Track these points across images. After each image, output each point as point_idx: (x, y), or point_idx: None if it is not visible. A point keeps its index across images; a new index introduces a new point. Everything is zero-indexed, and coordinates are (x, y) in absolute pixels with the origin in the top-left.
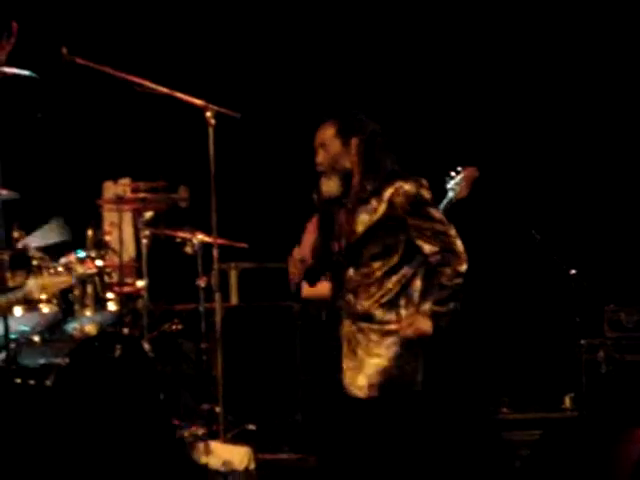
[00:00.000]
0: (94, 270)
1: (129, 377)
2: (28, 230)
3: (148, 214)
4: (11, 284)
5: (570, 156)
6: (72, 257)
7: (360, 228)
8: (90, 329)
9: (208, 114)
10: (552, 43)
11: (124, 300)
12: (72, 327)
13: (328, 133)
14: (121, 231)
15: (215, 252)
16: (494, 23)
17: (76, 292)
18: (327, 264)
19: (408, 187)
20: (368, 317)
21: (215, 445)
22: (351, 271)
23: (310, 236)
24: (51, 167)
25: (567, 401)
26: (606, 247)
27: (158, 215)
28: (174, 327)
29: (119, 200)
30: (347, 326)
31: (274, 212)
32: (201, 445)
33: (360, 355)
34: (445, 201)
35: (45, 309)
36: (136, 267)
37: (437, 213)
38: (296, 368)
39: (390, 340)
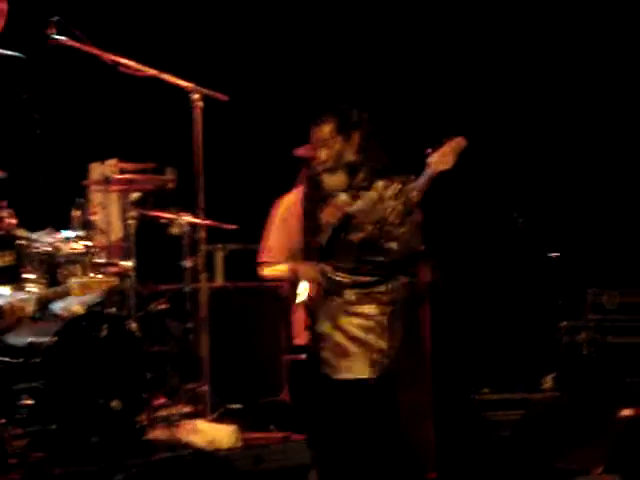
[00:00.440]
0: (81, 250)
1: (116, 357)
2: (16, 210)
3: (135, 195)
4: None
5: (552, 140)
6: (58, 237)
7: (339, 216)
8: (77, 309)
9: (195, 96)
10: (541, 35)
11: None
12: (59, 307)
13: (327, 131)
14: (108, 212)
15: (201, 233)
16: (484, 16)
17: (63, 271)
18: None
19: (398, 184)
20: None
21: (201, 424)
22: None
23: (283, 230)
24: (37, 148)
25: (548, 382)
26: (588, 230)
27: (145, 196)
28: (160, 307)
29: (106, 181)
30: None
31: (261, 194)
32: (187, 424)
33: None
34: (423, 177)
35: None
36: (123, 248)
37: (414, 216)
38: (281, 348)
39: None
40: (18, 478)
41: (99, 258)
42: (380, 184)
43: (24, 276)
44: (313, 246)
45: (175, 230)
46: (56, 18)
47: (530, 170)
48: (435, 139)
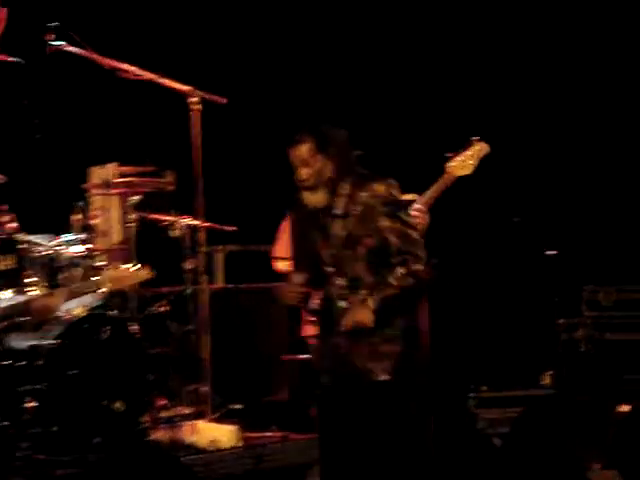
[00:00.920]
0: (82, 253)
1: (117, 359)
2: (17, 214)
3: (135, 198)
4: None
5: (548, 139)
6: (59, 241)
7: (342, 233)
8: (79, 311)
9: (194, 99)
10: (533, 39)
11: None
12: (61, 309)
13: (307, 150)
14: (108, 215)
15: (201, 235)
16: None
17: (64, 275)
18: (318, 274)
19: (381, 189)
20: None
21: (202, 424)
22: (338, 279)
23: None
24: (38, 152)
25: (546, 379)
26: (584, 228)
27: (145, 199)
28: (161, 309)
29: (106, 185)
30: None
31: (260, 196)
32: (188, 424)
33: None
34: (437, 184)
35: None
36: (123, 250)
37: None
38: (281, 348)
39: None
40: None
41: (100, 261)
42: (364, 195)
43: (25, 280)
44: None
45: (175, 232)
46: (55, 24)
47: (526, 168)
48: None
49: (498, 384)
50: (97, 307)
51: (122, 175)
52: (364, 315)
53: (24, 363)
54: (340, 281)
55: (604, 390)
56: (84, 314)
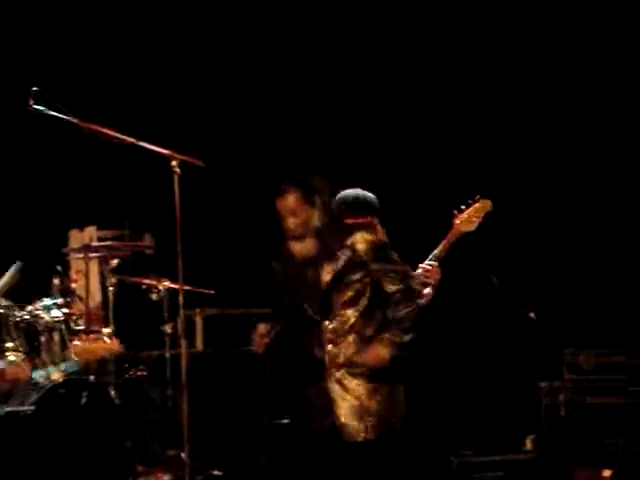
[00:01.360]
0: (61, 318)
1: (95, 424)
2: None
3: (114, 262)
4: None
5: (527, 202)
6: (38, 305)
7: (328, 277)
8: (56, 376)
9: (173, 163)
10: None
11: None
12: (39, 375)
13: (293, 201)
14: (87, 279)
15: (181, 299)
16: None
17: (42, 339)
18: (301, 323)
19: (367, 235)
20: (351, 364)
21: None
22: (327, 323)
23: None
24: (18, 215)
25: (528, 443)
26: (565, 291)
27: (124, 262)
28: (140, 373)
29: (85, 249)
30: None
31: (238, 259)
32: None
33: (350, 399)
34: (446, 239)
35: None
36: (102, 314)
37: (394, 255)
38: (261, 413)
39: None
40: None
41: (78, 325)
42: (351, 240)
43: (4, 345)
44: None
45: (154, 296)
46: (35, 89)
47: (506, 231)
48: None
49: (481, 448)
50: (75, 372)
51: (101, 239)
52: (381, 351)
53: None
54: (331, 324)
55: (585, 454)
56: (62, 379)
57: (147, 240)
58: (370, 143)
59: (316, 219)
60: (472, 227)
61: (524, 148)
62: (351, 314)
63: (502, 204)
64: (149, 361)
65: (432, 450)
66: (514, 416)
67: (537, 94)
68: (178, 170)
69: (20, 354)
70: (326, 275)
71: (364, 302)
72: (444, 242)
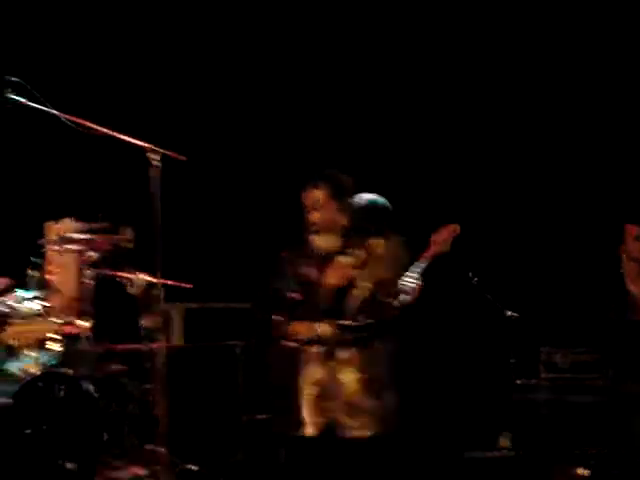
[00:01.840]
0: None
1: (73, 418)
2: None
3: (92, 254)
4: None
5: (507, 202)
6: (13, 297)
7: (345, 278)
8: (34, 369)
9: (153, 156)
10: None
11: (68, 340)
12: (16, 367)
13: (321, 196)
14: (64, 271)
15: (160, 292)
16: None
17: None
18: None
19: (389, 242)
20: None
21: None
22: (337, 322)
23: None
24: None
25: (503, 441)
26: (542, 289)
27: (102, 255)
28: (118, 367)
29: (62, 241)
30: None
31: (218, 253)
32: None
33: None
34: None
35: None
36: (79, 307)
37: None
38: (239, 408)
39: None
40: None
41: (55, 318)
42: (371, 243)
43: None
44: (309, 305)
45: (133, 289)
46: (13, 79)
47: (485, 230)
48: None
49: (457, 446)
50: (52, 365)
51: (79, 231)
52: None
53: None
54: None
55: (560, 452)
56: (39, 372)
57: (126, 233)
58: (358, 140)
59: (342, 218)
60: (446, 249)
61: (502, 151)
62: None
63: (481, 205)
64: (127, 355)
65: (409, 447)
66: (490, 414)
67: (523, 101)
68: (158, 163)
69: None
70: (341, 271)
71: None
72: (422, 258)
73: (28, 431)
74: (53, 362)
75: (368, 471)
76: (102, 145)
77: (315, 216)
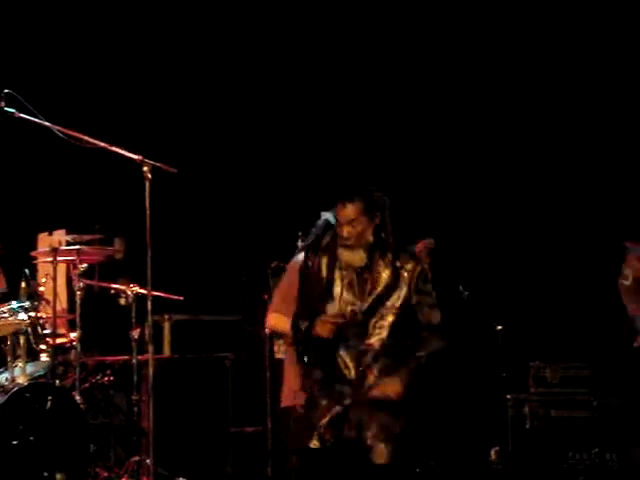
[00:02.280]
0: (27, 321)
1: (60, 429)
2: None
3: (83, 266)
4: None
5: (497, 216)
6: (4, 308)
7: (372, 299)
8: (22, 380)
9: (145, 169)
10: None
11: (56, 351)
12: (4, 378)
13: (356, 211)
14: (55, 282)
15: (149, 304)
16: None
17: (8, 342)
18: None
19: (416, 264)
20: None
21: None
22: (360, 342)
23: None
24: None
25: (493, 455)
26: (532, 304)
27: (93, 267)
28: (106, 379)
29: (53, 252)
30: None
31: (208, 265)
32: None
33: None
34: None
35: None
36: (69, 318)
37: (434, 295)
38: (227, 420)
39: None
40: None
41: (45, 329)
42: (399, 265)
43: None
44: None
45: (123, 301)
46: (7, 91)
47: (476, 245)
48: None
49: (446, 459)
50: (40, 376)
51: (70, 242)
52: (394, 387)
53: None
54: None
55: (549, 467)
56: (27, 383)
57: (117, 244)
58: (349, 152)
59: (370, 234)
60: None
61: (496, 164)
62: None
63: (472, 219)
64: (115, 366)
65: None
66: (480, 428)
67: (509, 110)
68: (149, 175)
69: None
70: (369, 290)
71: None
72: None
73: (15, 442)
74: (41, 373)
75: None
76: (93, 157)
77: (345, 230)
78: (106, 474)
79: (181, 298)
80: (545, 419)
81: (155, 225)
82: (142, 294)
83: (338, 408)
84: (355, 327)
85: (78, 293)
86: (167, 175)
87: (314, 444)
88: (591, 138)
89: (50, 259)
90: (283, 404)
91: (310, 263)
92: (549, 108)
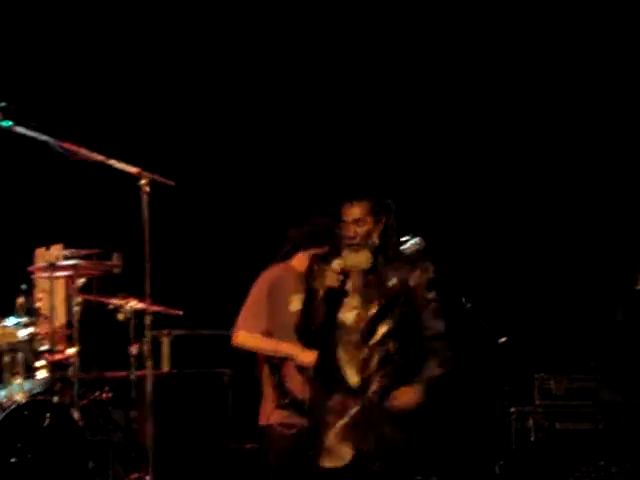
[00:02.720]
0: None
1: (58, 446)
2: None
3: (80, 281)
4: None
5: (500, 227)
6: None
7: (376, 306)
8: (20, 397)
9: (142, 182)
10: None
11: (54, 368)
12: (1, 395)
13: (362, 210)
14: (53, 298)
15: (147, 319)
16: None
17: (6, 359)
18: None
19: (425, 271)
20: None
21: None
22: (364, 349)
23: (268, 303)
24: None
25: (497, 469)
26: (536, 316)
27: (91, 281)
28: (104, 395)
29: (51, 267)
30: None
31: (206, 279)
32: None
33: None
34: None
35: None
36: (67, 334)
37: (435, 297)
38: (227, 437)
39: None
40: None
41: (43, 345)
42: (404, 272)
43: None
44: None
45: (121, 316)
46: (3, 104)
47: (478, 256)
48: None
49: (450, 475)
50: (38, 393)
51: (68, 257)
52: (410, 397)
53: None
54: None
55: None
56: (25, 400)
57: (115, 259)
58: (344, 162)
59: (376, 235)
60: None
61: (492, 175)
62: (392, 345)
63: (475, 231)
64: (114, 383)
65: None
66: (484, 441)
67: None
68: (147, 189)
69: None
70: (374, 297)
71: (404, 336)
72: None
73: (14, 460)
74: (39, 390)
75: None
76: (90, 171)
77: (350, 230)
78: None
79: (180, 313)
80: (550, 432)
81: (153, 239)
82: (140, 309)
83: (346, 419)
84: (358, 333)
85: (76, 308)
86: (165, 188)
87: (329, 463)
88: (595, 150)
89: (47, 274)
90: (260, 422)
91: (316, 269)
92: (551, 126)
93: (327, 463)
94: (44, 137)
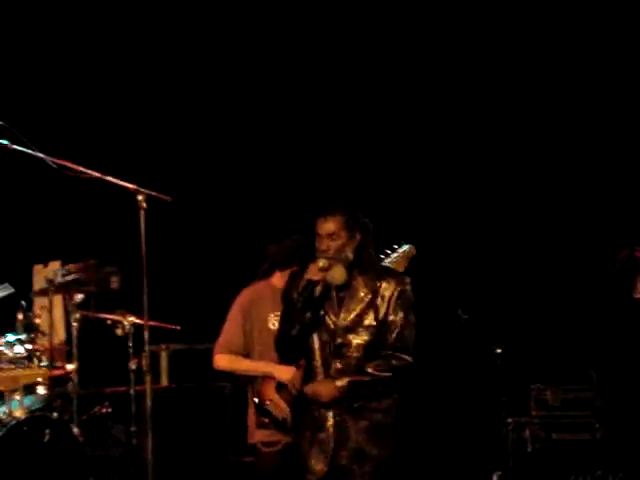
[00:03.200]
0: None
1: (58, 462)
2: None
3: (79, 297)
4: None
5: (496, 239)
6: (1, 341)
7: (349, 317)
8: (19, 413)
9: (139, 198)
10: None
11: (54, 384)
12: (1, 411)
13: (336, 224)
14: (51, 314)
15: (146, 334)
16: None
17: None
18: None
19: (398, 284)
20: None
21: None
22: (336, 362)
23: (245, 321)
24: None
25: (495, 479)
26: (532, 326)
27: (89, 297)
28: (104, 410)
29: (49, 284)
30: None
31: (203, 294)
32: None
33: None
34: None
35: None
36: (66, 350)
37: (411, 316)
38: (227, 450)
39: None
40: None
41: (42, 361)
42: (378, 285)
43: None
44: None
45: (119, 331)
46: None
47: (474, 267)
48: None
49: None
50: (38, 409)
51: (66, 274)
52: (325, 388)
53: None
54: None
55: None
56: (25, 416)
57: (113, 275)
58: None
59: (350, 250)
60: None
61: (489, 188)
62: (360, 358)
63: (471, 242)
64: (113, 398)
65: None
66: (481, 452)
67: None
68: (144, 205)
69: None
70: (350, 314)
71: (374, 347)
72: None
73: (14, 476)
74: (38, 406)
75: None
76: (87, 188)
77: (324, 244)
78: None
79: (178, 328)
80: (547, 442)
81: (150, 254)
82: (139, 324)
83: (322, 434)
84: (331, 346)
85: (74, 324)
86: (161, 204)
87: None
88: (593, 156)
89: (46, 291)
90: (248, 440)
91: (290, 287)
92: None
93: (309, 476)
94: (40, 155)
